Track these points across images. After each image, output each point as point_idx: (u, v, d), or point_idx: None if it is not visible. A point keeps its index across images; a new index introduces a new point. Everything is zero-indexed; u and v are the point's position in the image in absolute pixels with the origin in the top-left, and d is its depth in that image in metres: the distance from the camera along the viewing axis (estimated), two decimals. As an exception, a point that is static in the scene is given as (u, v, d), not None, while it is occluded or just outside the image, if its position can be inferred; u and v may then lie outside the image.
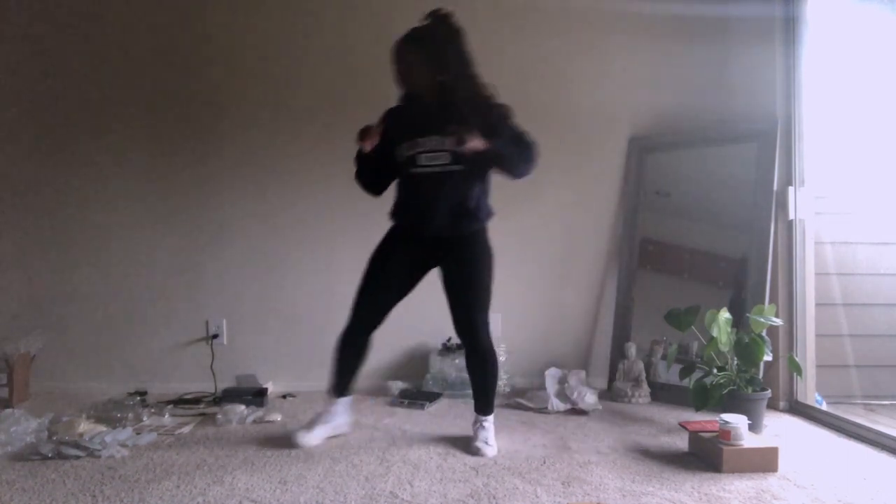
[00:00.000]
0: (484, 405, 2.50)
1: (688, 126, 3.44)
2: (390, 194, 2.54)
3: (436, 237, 2.41)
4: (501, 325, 3.49)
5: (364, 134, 2.34)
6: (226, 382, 3.28)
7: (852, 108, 3.22)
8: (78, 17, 3.34)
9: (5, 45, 3.32)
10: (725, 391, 2.64)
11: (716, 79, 3.46)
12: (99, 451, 2.31)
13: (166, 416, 2.84)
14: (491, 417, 2.50)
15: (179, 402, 3.08)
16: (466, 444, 2.44)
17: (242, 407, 2.85)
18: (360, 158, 2.45)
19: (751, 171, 3.13)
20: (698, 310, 2.78)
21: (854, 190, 3.37)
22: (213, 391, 3.23)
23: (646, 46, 3.48)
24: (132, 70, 3.36)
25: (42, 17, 3.33)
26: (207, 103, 3.39)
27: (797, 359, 2.84)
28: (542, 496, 2.00)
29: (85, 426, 2.53)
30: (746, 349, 2.66)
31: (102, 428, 2.56)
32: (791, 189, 3.06)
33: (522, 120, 3.41)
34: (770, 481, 2.13)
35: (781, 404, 3.01)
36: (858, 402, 3.19)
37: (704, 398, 2.62)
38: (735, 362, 2.70)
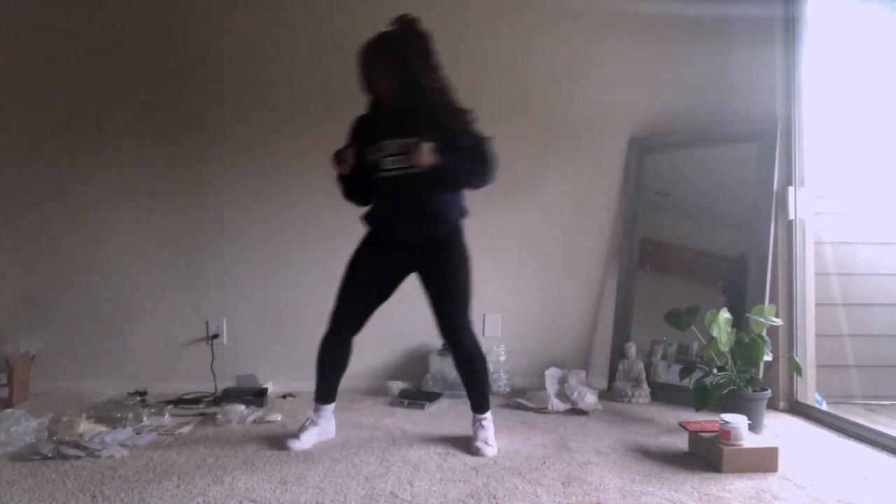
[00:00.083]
0: (478, 403, 2.50)
1: (688, 126, 3.44)
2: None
3: (405, 242, 2.41)
4: (501, 325, 3.50)
5: (339, 157, 2.34)
6: (226, 382, 3.28)
7: (852, 108, 3.22)
8: (77, 17, 3.33)
9: (5, 46, 3.32)
10: (725, 391, 2.64)
11: (716, 79, 3.46)
12: (99, 451, 2.31)
13: (166, 416, 2.84)
14: (489, 415, 2.50)
15: (179, 402, 3.08)
16: (466, 444, 2.44)
17: (242, 407, 2.85)
18: (343, 180, 2.46)
19: (750, 171, 3.13)
20: (698, 310, 2.78)
21: (854, 190, 3.37)
22: (213, 391, 3.23)
23: (646, 46, 3.48)
24: (132, 70, 3.36)
25: (40, 18, 3.32)
26: (207, 103, 3.39)
27: (797, 359, 2.84)
28: (542, 496, 2.00)
29: (85, 426, 2.53)
30: (746, 349, 2.66)
31: (102, 428, 2.57)
32: (791, 189, 3.06)
33: (522, 120, 3.47)
34: (770, 481, 2.13)
35: (781, 404, 3.01)
36: (858, 402, 3.19)
37: (704, 398, 2.62)
38: (736, 362, 2.70)
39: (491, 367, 3.30)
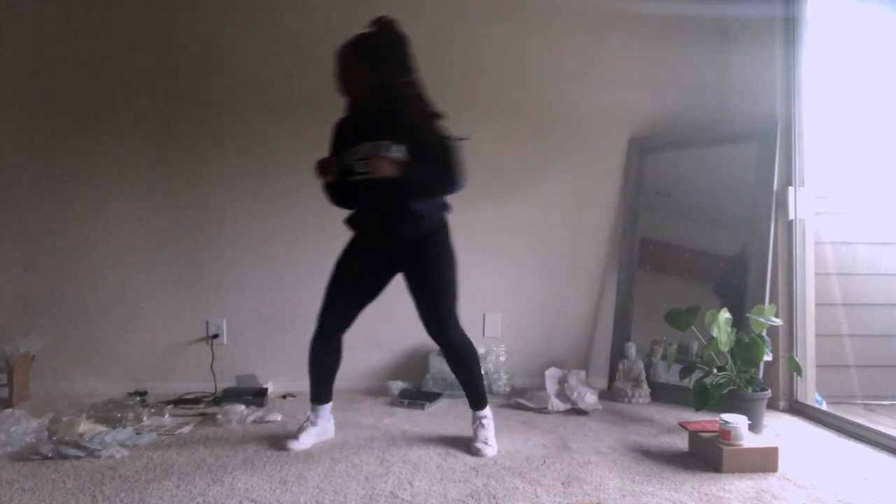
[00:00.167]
0: (475, 399, 2.50)
1: (688, 126, 3.44)
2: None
3: (385, 244, 2.41)
4: (501, 325, 3.50)
5: (322, 167, 2.33)
6: (226, 382, 3.28)
7: (852, 108, 3.22)
8: (77, 18, 3.33)
9: (5, 46, 3.31)
10: (725, 391, 2.64)
11: (716, 79, 3.46)
12: (99, 451, 2.31)
13: (166, 416, 2.84)
14: (487, 412, 2.50)
15: (179, 402, 3.08)
16: (466, 445, 2.44)
17: (242, 407, 2.85)
18: (329, 188, 2.45)
19: (750, 171, 3.13)
20: (698, 310, 2.78)
21: (854, 190, 3.37)
22: (213, 391, 3.23)
23: (646, 46, 3.49)
24: (132, 70, 3.36)
25: (40, 18, 3.32)
26: (207, 103, 3.38)
27: (797, 359, 2.84)
28: (542, 496, 2.00)
29: (85, 426, 2.53)
30: (746, 349, 2.66)
31: (102, 428, 2.56)
32: (791, 189, 3.06)
33: (522, 120, 3.47)
34: (770, 481, 2.13)
35: (781, 404, 3.01)
36: (858, 402, 3.19)
37: (704, 398, 2.62)
38: (736, 362, 2.70)
39: (491, 367, 3.31)
